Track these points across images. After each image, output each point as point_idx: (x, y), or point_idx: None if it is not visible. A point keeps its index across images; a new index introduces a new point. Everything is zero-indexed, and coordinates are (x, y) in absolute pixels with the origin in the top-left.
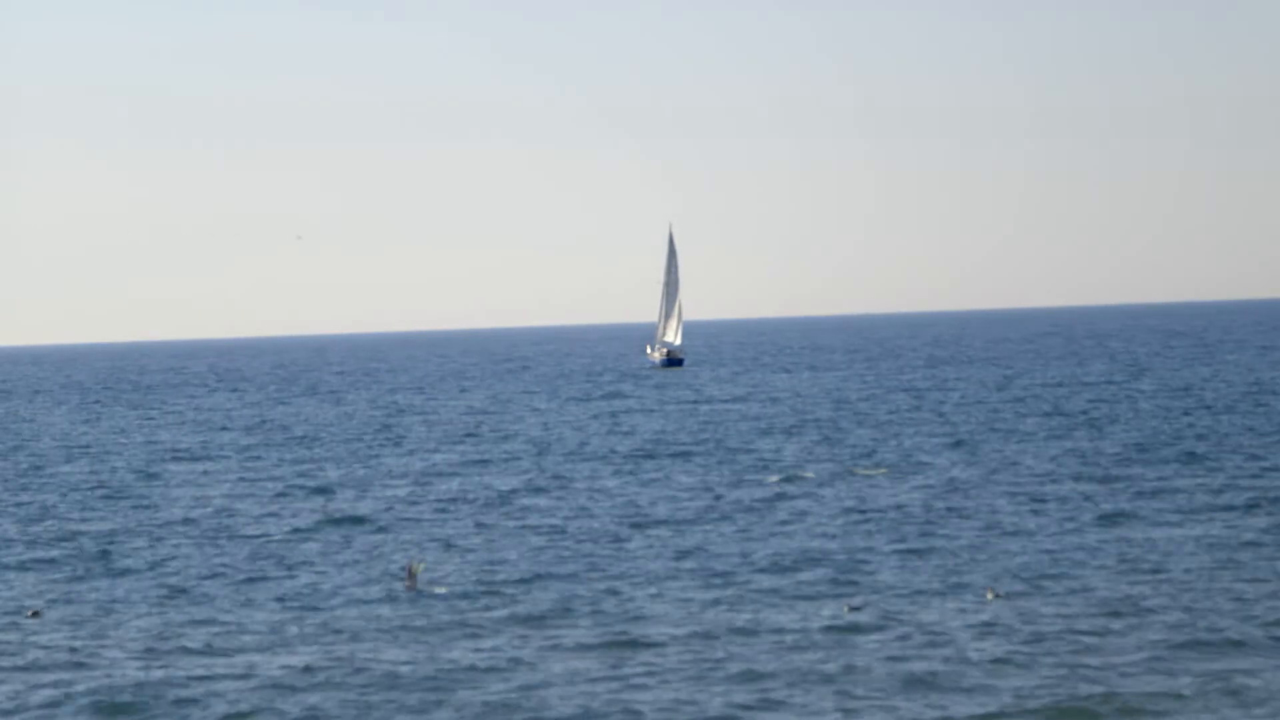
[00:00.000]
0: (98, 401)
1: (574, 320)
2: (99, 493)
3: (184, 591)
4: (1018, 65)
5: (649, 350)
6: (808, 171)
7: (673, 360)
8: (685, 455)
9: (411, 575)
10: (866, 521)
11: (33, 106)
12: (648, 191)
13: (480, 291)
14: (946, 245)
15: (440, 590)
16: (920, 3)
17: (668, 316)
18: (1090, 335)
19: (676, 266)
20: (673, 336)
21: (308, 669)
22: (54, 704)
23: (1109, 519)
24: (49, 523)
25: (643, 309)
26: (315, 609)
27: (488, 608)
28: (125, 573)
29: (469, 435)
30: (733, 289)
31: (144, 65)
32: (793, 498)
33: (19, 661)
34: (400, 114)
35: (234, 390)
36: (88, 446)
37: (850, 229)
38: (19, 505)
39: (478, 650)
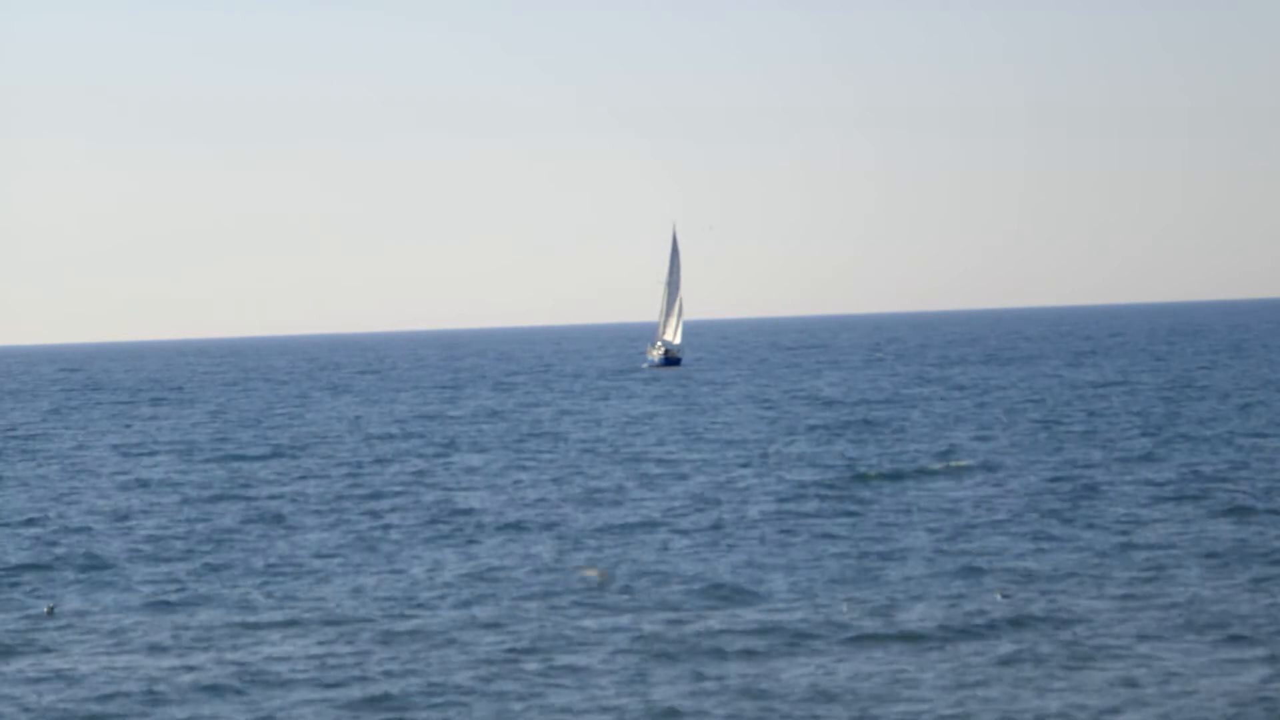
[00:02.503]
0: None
1: (575, 320)
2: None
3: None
4: (1018, 65)
5: (649, 349)
6: (809, 171)
7: (670, 359)
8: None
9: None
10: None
11: (33, 106)
12: (649, 191)
13: (480, 291)
14: (946, 245)
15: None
16: (920, 3)
17: (668, 316)
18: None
19: (679, 266)
20: (672, 335)
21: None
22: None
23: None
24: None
25: (644, 308)
26: (316, 621)
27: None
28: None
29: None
30: (733, 289)
31: (143, 65)
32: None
33: (28, 659)
34: (400, 114)
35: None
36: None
37: (851, 228)
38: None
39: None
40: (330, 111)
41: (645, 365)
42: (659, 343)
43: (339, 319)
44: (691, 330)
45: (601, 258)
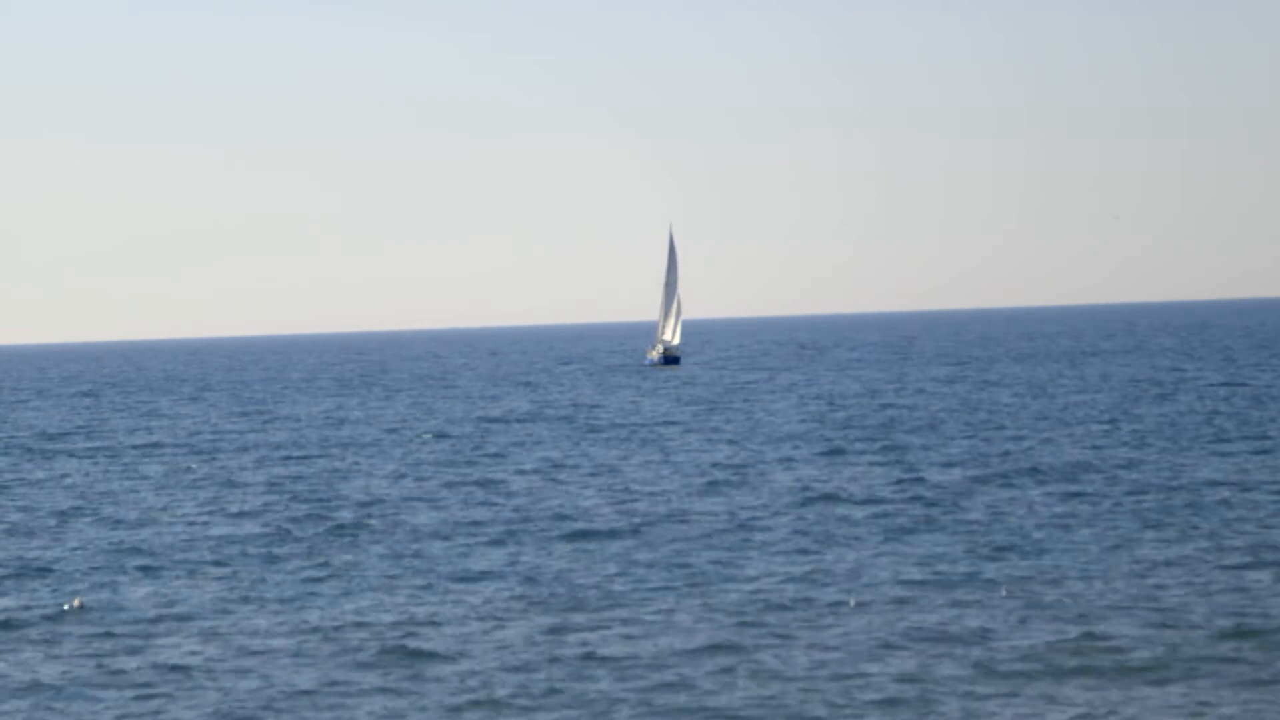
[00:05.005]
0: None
1: (575, 319)
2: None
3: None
4: (1018, 65)
5: (649, 350)
6: (809, 171)
7: (669, 359)
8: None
9: None
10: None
11: (33, 106)
12: (649, 191)
13: (480, 291)
14: (946, 245)
15: None
16: (920, 3)
17: (667, 316)
18: None
19: (676, 266)
20: (670, 335)
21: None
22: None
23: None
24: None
25: (645, 308)
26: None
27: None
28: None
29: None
30: (733, 289)
31: (143, 65)
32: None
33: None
34: (400, 114)
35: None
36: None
37: (850, 228)
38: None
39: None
40: (330, 111)
41: (645, 365)
42: (658, 343)
43: (339, 319)
44: (692, 329)
45: (601, 258)
